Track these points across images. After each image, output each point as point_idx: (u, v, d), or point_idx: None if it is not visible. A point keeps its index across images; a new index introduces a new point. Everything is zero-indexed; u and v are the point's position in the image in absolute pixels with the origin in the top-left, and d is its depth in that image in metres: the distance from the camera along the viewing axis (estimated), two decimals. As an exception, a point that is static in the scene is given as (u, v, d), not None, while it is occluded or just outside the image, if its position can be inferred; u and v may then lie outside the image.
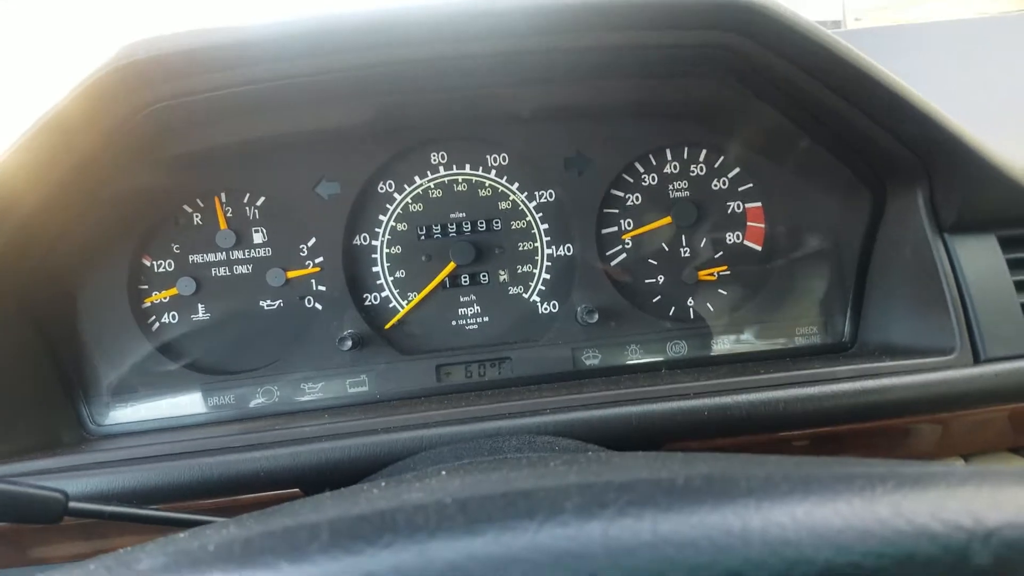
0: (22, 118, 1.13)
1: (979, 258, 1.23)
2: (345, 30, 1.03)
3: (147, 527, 0.95)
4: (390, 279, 1.43)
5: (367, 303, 1.43)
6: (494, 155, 1.43)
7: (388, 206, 1.43)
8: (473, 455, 1.04)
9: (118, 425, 1.34)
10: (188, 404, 1.37)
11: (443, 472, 0.78)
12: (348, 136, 1.35)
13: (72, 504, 0.81)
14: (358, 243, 1.42)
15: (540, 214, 1.44)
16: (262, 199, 1.40)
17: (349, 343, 1.35)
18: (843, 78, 1.14)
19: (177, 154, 1.26)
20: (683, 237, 1.46)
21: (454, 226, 1.43)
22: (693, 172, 1.45)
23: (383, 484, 0.76)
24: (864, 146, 1.27)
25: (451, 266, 1.42)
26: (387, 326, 1.42)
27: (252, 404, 1.38)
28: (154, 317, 1.39)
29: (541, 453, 1.04)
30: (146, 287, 1.38)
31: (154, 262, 1.38)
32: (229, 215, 1.39)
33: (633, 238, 1.45)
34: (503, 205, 1.44)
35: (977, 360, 1.18)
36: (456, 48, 1.06)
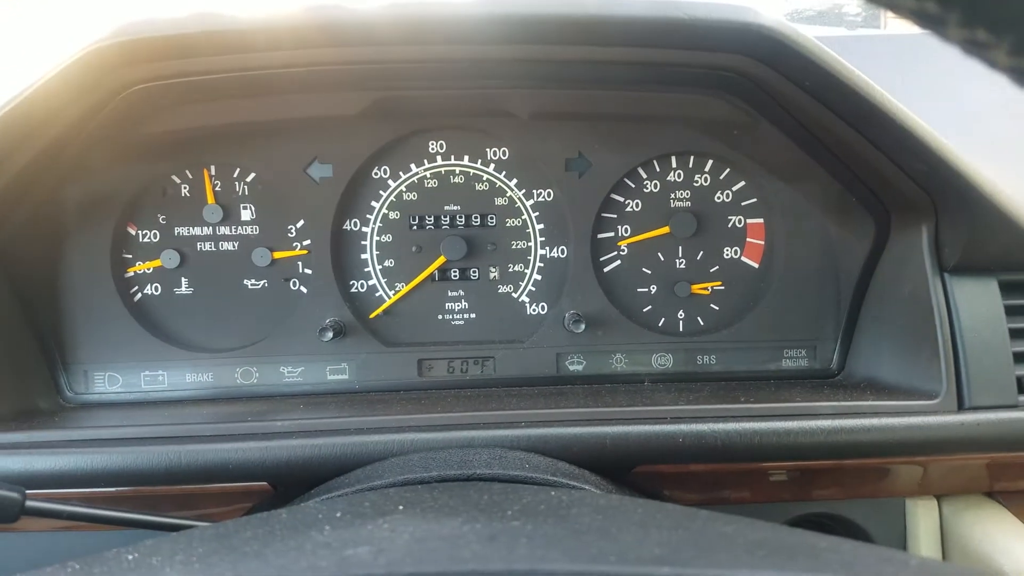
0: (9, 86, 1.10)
1: (977, 302, 1.20)
2: (339, 24, 0.98)
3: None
4: (378, 267, 1.40)
5: (353, 290, 1.41)
6: (494, 149, 1.39)
7: (381, 192, 1.39)
8: (442, 467, 1.04)
9: (95, 395, 1.34)
10: (166, 379, 1.36)
11: (400, 507, 0.77)
12: (343, 120, 1.31)
13: (29, 503, 0.81)
14: (348, 228, 1.39)
15: (536, 213, 1.41)
16: (252, 175, 1.36)
17: (330, 334, 1.33)
18: (856, 110, 1.10)
19: (163, 131, 1.22)
20: (680, 248, 1.43)
21: (447, 218, 1.40)
22: (696, 182, 1.41)
23: (337, 515, 0.76)
24: (872, 177, 1.24)
25: (441, 259, 1.39)
26: (372, 315, 1.41)
27: (230, 384, 1.37)
28: (136, 287, 1.37)
29: (510, 472, 1.04)
30: (129, 256, 1.36)
31: (139, 231, 1.36)
32: (218, 189, 1.36)
33: (629, 245, 1.42)
34: (499, 201, 1.41)
35: (961, 407, 1.16)
36: (451, 51, 1.02)
